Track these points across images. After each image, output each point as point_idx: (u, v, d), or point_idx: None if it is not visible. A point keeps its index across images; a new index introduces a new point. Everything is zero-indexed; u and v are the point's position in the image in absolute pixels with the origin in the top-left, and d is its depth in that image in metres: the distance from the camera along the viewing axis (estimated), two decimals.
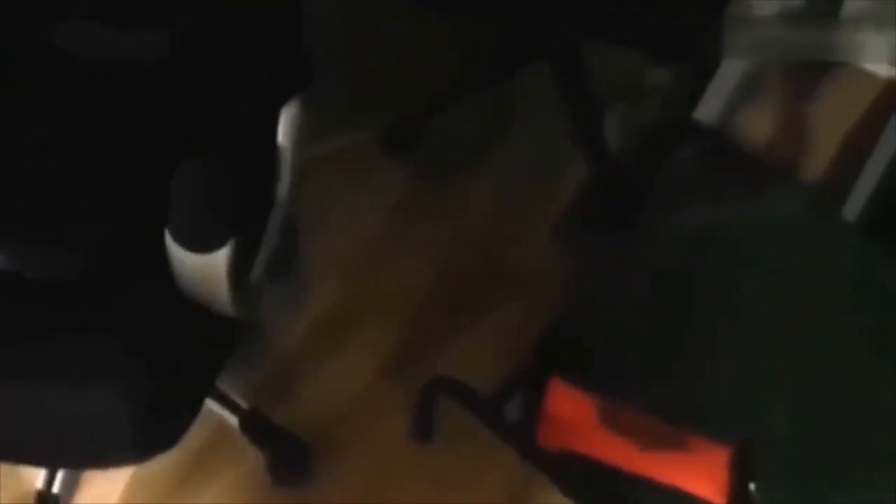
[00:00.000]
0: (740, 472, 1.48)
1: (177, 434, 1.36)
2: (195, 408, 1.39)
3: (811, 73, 2.04)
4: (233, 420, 1.81)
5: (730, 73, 1.95)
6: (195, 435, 1.42)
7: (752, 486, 1.47)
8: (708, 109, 1.97)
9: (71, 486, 1.83)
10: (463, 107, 2.15)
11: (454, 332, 1.95)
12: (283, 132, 1.37)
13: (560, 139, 2.09)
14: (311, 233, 1.97)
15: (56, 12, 1.48)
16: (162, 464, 1.75)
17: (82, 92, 1.50)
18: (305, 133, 1.39)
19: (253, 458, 1.82)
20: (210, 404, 1.73)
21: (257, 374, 1.91)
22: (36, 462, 1.65)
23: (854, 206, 1.84)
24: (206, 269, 1.26)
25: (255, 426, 1.82)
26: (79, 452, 1.39)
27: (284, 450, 1.84)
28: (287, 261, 1.53)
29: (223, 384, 1.77)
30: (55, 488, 1.81)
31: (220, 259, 1.24)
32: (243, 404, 1.82)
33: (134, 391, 1.29)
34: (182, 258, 1.25)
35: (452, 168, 2.13)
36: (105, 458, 1.41)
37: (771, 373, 1.63)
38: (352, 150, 2.08)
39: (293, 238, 1.55)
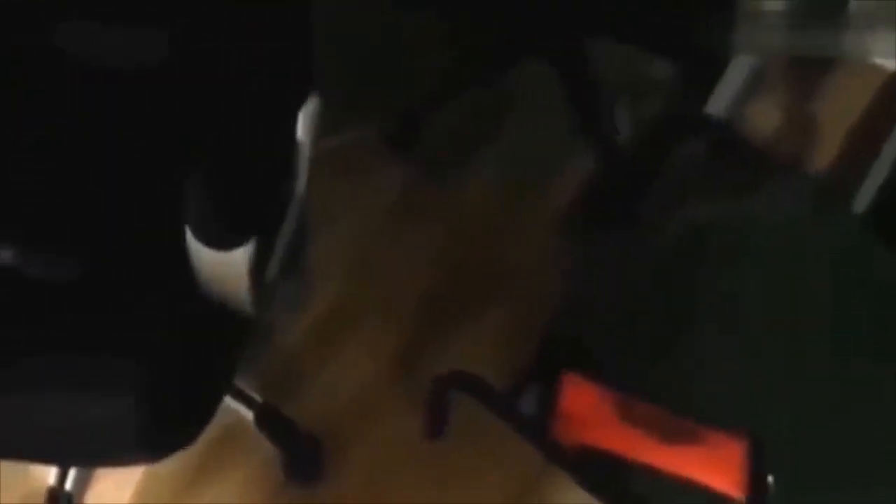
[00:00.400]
0: (757, 464, 1.49)
1: (189, 436, 1.34)
2: (209, 408, 1.37)
3: (819, 67, 2.05)
4: (248, 415, 1.81)
5: (740, 69, 1.96)
6: (207, 431, 1.38)
7: (769, 479, 1.48)
8: (718, 104, 1.98)
9: (83, 482, 1.83)
10: (462, 105, 2.15)
11: (456, 329, 1.96)
12: (302, 129, 1.37)
13: (560, 136, 2.10)
14: (312, 232, 1.98)
15: (56, 12, 1.47)
16: (175, 459, 1.77)
17: (82, 92, 1.48)
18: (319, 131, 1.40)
19: (264, 454, 1.83)
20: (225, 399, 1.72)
21: (260, 373, 1.90)
22: (46, 461, 1.65)
23: (863, 200, 1.84)
24: (226, 266, 1.25)
25: (271, 421, 1.82)
26: (88, 455, 1.38)
27: (299, 446, 1.84)
28: (296, 258, 1.52)
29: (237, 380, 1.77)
30: (67, 485, 1.80)
31: (240, 256, 1.24)
32: (258, 399, 1.82)
33: (142, 395, 1.27)
34: (203, 255, 1.24)
35: (451, 166, 2.14)
36: (115, 459, 1.41)
37: (772, 370, 1.64)
38: (350, 149, 2.08)
39: (302, 235, 1.55)
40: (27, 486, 1.82)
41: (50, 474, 1.80)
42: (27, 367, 1.29)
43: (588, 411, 1.54)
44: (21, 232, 1.40)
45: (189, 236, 1.23)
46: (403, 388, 1.89)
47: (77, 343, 1.31)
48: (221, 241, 1.22)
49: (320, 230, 1.98)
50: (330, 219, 2.02)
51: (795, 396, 1.61)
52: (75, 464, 1.72)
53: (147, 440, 1.30)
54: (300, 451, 1.84)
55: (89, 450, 1.33)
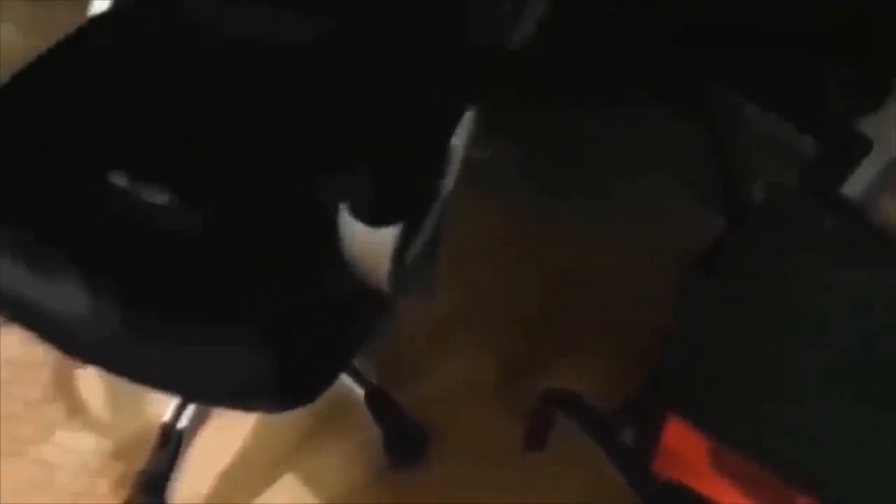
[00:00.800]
0: None
1: (314, 393, 1.39)
2: (332, 373, 1.43)
3: None
4: (359, 392, 1.86)
5: (881, 154, 1.99)
6: (320, 402, 1.43)
7: None
8: (855, 186, 2.01)
9: (197, 422, 1.87)
10: (596, 135, 2.25)
11: (566, 350, 2.03)
12: (458, 135, 1.45)
13: (693, 186, 2.15)
14: (446, 234, 2.04)
15: None
16: (283, 422, 1.84)
17: (255, 68, 1.60)
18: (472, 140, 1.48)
19: (368, 434, 1.88)
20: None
21: (377, 357, 1.96)
22: (175, 391, 1.68)
23: None
24: (374, 244, 1.33)
25: (381, 403, 1.88)
26: (219, 391, 1.42)
27: (403, 430, 1.89)
28: (432, 251, 1.59)
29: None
30: (180, 423, 1.83)
31: (388, 235, 1.32)
32: (371, 379, 1.88)
33: (274, 349, 1.33)
34: (355, 231, 1.32)
35: (581, 194, 2.22)
36: (243, 402, 1.44)
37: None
38: (490, 163, 2.14)
39: (439, 232, 1.62)
40: (142, 419, 1.87)
41: (166, 411, 1.84)
42: (172, 312, 1.36)
43: (687, 451, 1.57)
44: (177, 181, 1.47)
45: (343, 212, 1.32)
46: (507, 397, 1.95)
47: (222, 297, 1.37)
48: (377, 218, 1.31)
49: (454, 234, 2.06)
50: (463, 225, 2.06)
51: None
52: (209, 400, 1.72)
53: (285, 389, 1.36)
54: (403, 435, 1.89)
55: (230, 388, 1.38)
